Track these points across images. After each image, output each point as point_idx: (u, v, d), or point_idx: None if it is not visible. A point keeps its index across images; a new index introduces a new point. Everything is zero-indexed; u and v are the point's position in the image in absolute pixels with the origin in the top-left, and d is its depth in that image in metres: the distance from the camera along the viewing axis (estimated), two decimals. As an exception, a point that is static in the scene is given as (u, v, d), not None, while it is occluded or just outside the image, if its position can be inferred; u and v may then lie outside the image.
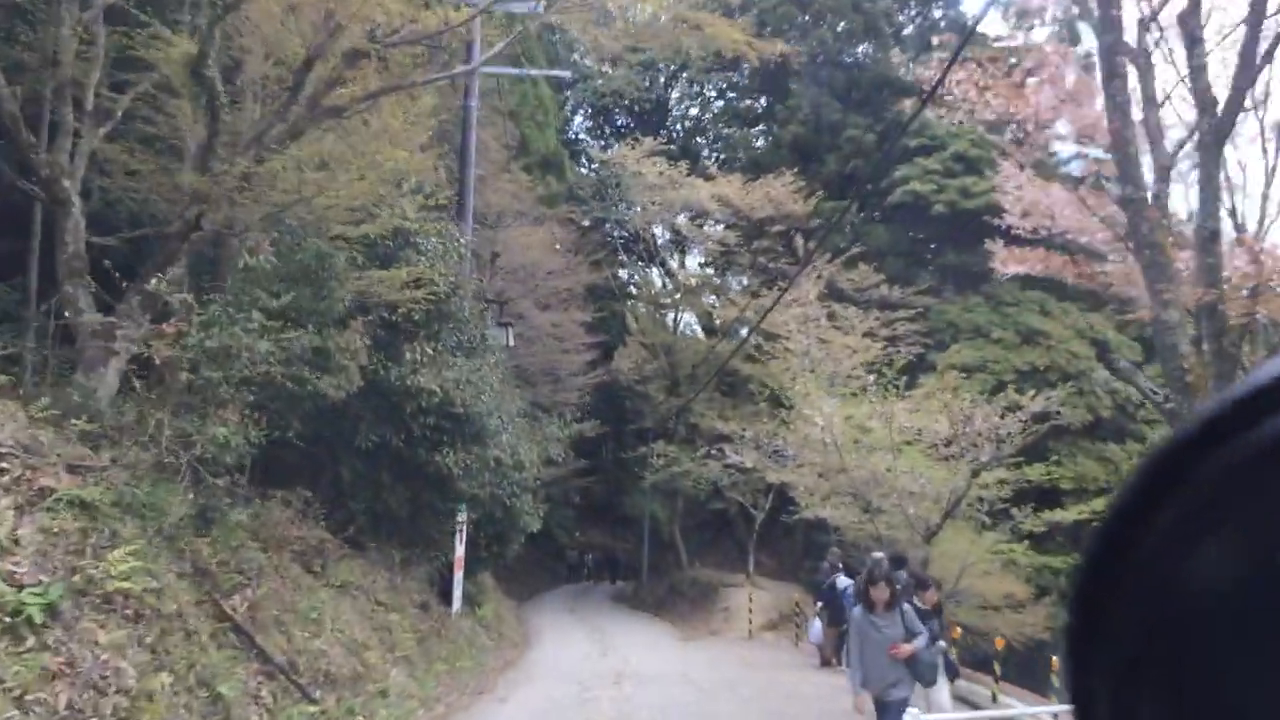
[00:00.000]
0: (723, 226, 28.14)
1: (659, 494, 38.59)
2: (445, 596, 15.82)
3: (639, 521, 40.67)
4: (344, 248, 10.41)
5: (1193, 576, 0.53)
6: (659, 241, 33.26)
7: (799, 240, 27.09)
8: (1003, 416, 17.01)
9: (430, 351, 11.99)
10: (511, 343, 16.71)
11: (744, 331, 26.46)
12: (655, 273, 37.03)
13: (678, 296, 35.10)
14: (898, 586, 8.09)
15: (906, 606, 7.86)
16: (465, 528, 16.32)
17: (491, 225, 19.17)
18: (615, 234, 35.29)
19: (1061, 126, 16.42)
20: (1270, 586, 0.50)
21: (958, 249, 28.90)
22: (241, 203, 8.67)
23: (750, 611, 19.94)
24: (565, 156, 29.00)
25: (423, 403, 11.94)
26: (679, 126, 36.46)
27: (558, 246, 22.22)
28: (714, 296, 30.63)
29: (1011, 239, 19.36)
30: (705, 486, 24.75)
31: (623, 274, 40.43)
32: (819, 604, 15.89)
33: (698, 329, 37.40)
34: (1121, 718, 0.57)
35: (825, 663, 15.43)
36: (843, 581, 15.11)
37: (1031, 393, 18.26)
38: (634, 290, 39.72)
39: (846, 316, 23.53)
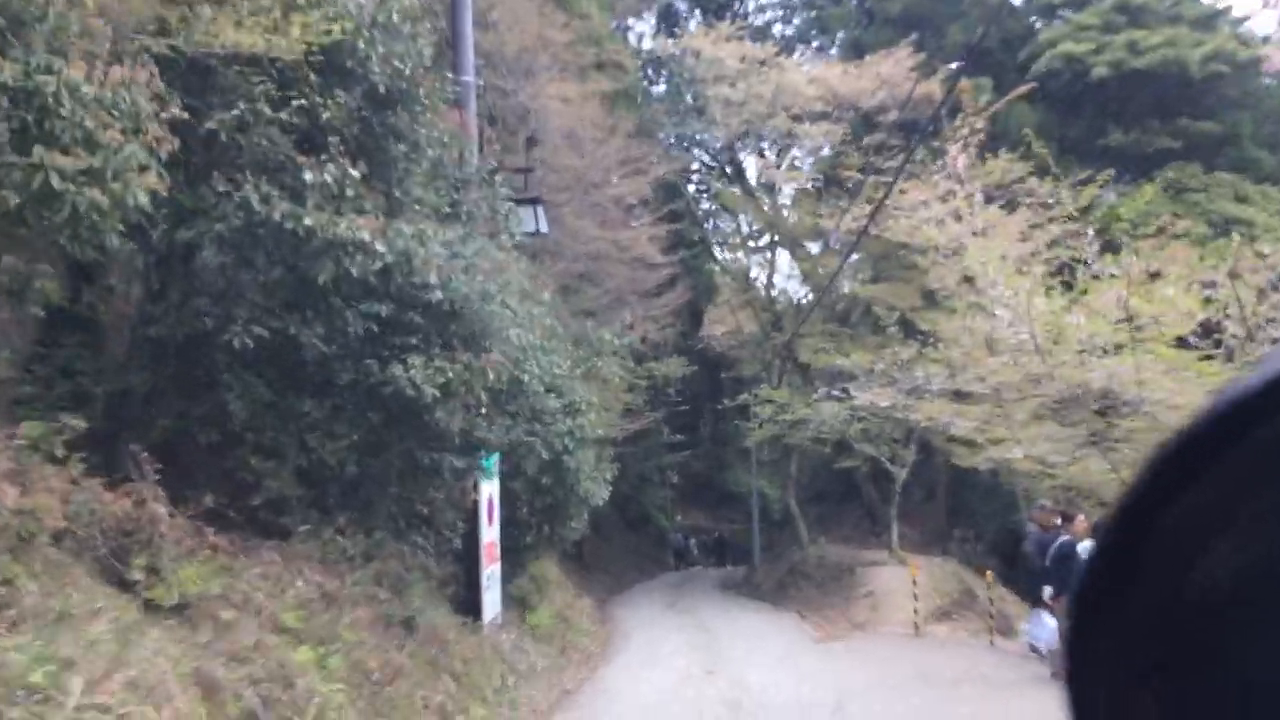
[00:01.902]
0: (822, 128, 21.89)
1: (765, 466, 32.87)
2: (468, 604, 10.37)
3: (744, 499, 35.18)
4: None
5: (1199, 578, 0.51)
6: (743, 159, 27.15)
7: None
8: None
9: (354, 174, 6.45)
10: (544, 228, 11.11)
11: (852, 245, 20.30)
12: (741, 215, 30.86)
13: (770, 239, 29.02)
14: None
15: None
16: (492, 498, 10.84)
17: (511, 72, 13.52)
18: (692, 160, 29.36)
19: None
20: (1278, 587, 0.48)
21: (1125, 125, 22.16)
22: None
23: (916, 598, 13.88)
24: (625, 51, 23.12)
25: (352, 267, 6.41)
26: (753, 6, 29.75)
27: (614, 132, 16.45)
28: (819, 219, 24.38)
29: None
30: (830, 436, 18.66)
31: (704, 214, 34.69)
32: (1044, 587, 9.67)
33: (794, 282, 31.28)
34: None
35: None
36: (1080, 546, 9.10)
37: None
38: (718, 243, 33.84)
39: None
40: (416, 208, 7.73)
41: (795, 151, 23.19)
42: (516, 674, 9.83)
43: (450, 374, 7.16)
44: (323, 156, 6.30)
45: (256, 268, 6.33)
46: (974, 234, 14.82)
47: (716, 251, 36.75)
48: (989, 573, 11.96)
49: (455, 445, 8.05)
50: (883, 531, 24.13)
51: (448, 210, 8.43)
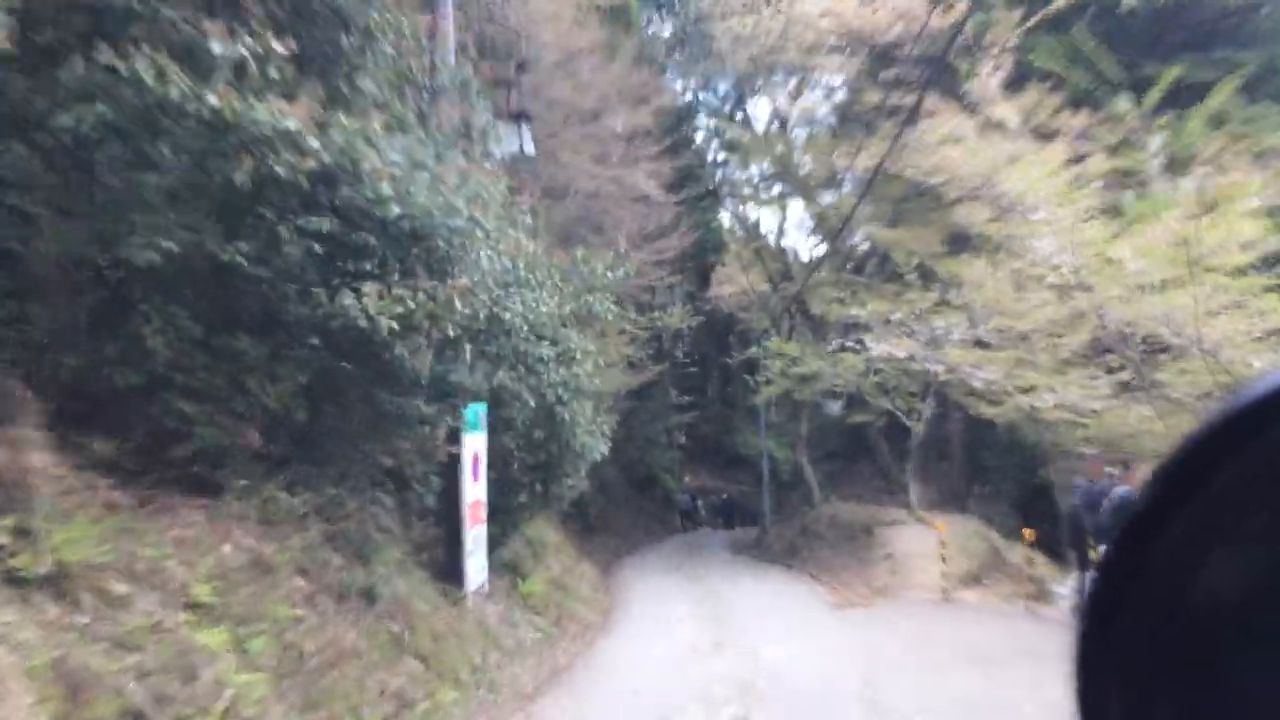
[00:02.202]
0: (836, 61, 20.41)
1: (773, 427, 31.82)
2: (449, 571, 9.29)
3: (753, 461, 34.33)
4: None
5: (1206, 583, 0.52)
6: (753, 104, 25.69)
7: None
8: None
9: (280, 49, 5.21)
10: (531, 149, 9.85)
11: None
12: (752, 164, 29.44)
13: (781, 189, 27.61)
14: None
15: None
16: (478, 453, 9.74)
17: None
18: (700, 105, 27.90)
19: None
20: None
21: (1161, 55, 20.63)
22: None
23: (944, 560, 12.74)
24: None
25: (278, 166, 5.19)
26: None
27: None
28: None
29: None
30: (845, 389, 17.47)
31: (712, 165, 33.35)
32: (1097, 544, 8.50)
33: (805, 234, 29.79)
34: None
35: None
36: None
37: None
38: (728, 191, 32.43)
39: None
40: (372, 110, 6.49)
41: (809, 95, 21.71)
42: (501, 650, 8.76)
43: (411, 304, 5.98)
44: (237, 24, 5.07)
45: (158, 166, 5.12)
46: (1008, 162, 13.52)
47: (726, 204, 35.48)
48: (1029, 531, 10.80)
49: (424, 389, 6.90)
50: (897, 490, 23.05)
51: (412, 120, 7.19)
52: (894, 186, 19.15)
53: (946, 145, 15.73)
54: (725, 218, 39.40)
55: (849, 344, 16.43)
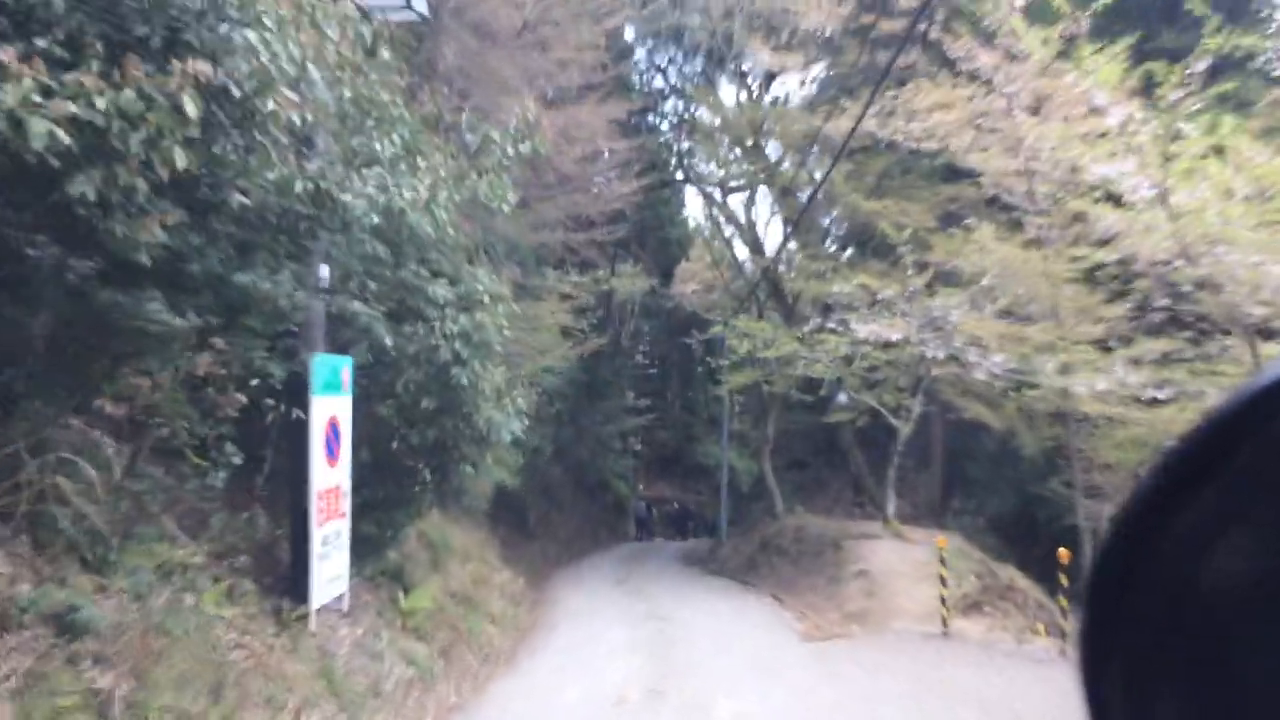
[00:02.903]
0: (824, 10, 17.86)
1: (734, 438, 29.40)
2: (289, 582, 6.57)
3: (713, 472, 32.05)
4: None
5: (1209, 574, 0.51)
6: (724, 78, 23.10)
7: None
8: None
9: None
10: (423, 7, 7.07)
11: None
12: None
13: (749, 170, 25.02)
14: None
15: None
16: (336, 421, 7.04)
17: None
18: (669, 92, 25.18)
19: None
20: None
21: (1180, 28, 18.40)
22: None
23: (944, 582, 10.08)
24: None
25: None
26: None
27: None
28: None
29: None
30: (825, 375, 14.81)
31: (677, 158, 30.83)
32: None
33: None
34: (1137, 717, 0.54)
35: None
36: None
37: None
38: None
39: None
40: None
41: (788, 59, 19.09)
42: (342, 697, 5.99)
43: (99, 102, 3.24)
44: None
45: None
46: (1030, 110, 11.06)
47: (689, 194, 33.06)
48: (1065, 551, 8.23)
49: (169, 285, 4.13)
50: (869, 504, 20.54)
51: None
52: (878, 161, 16.73)
53: (940, 110, 13.35)
54: (689, 213, 36.98)
55: (830, 325, 13.84)
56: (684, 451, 40.00)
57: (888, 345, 13.33)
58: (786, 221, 22.12)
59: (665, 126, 30.40)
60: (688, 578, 18.63)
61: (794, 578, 15.98)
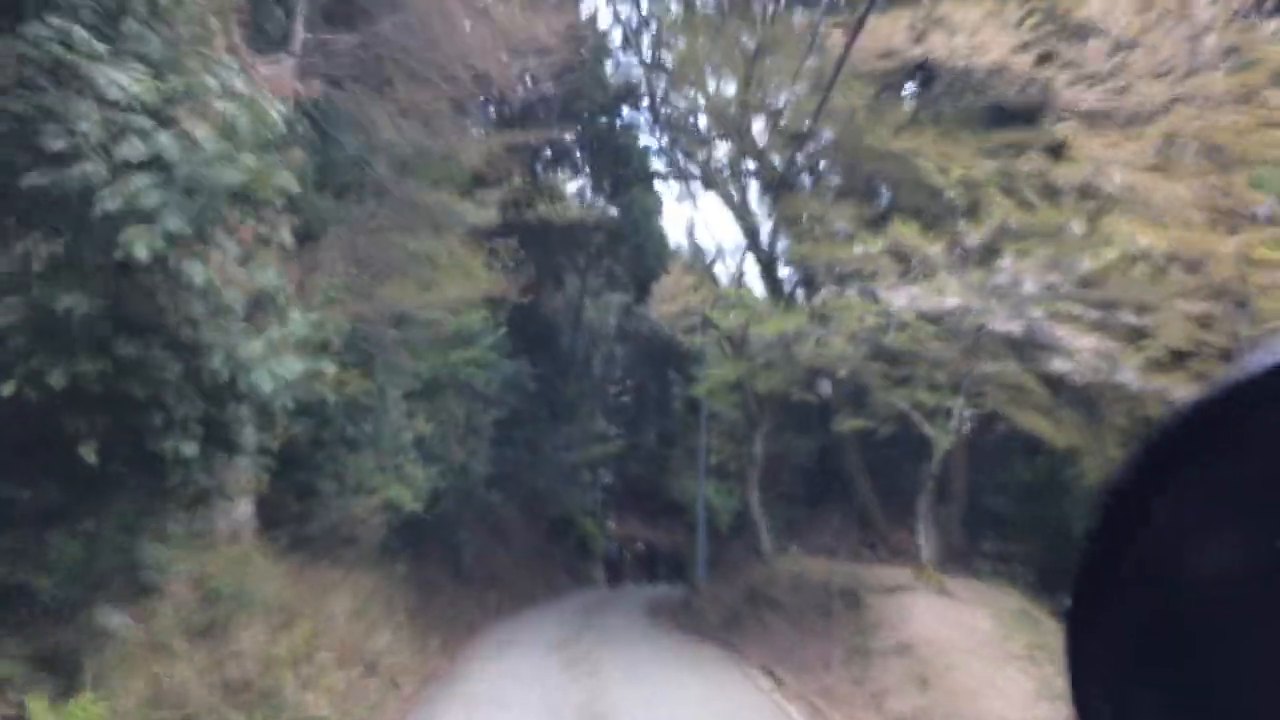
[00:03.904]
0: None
1: (712, 472, 25.50)
2: None
3: (690, 509, 28.07)
4: None
5: (1192, 567, 0.50)
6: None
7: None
8: None
9: None
10: None
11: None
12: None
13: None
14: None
15: None
16: None
17: None
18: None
19: None
20: (1270, 575, 0.47)
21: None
22: None
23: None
24: None
25: None
26: None
27: None
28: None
29: None
30: (844, 362, 10.62)
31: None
32: None
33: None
34: (1122, 712, 0.53)
35: None
36: None
37: None
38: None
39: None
40: None
41: None
42: None
43: None
44: None
45: None
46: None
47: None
48: None
49: None
50: (877, 542, 16.34)
51: None
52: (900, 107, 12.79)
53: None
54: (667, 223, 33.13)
55: (848, 294, 9.76)
56: (659, 487, 36.04)
57: (932, 320, 9.29)
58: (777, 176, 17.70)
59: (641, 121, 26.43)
60: (654, 638, 14.31)
61: (794, 643, 11.76)
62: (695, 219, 69.99)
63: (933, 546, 11.36)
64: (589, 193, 28.04)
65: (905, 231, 9.60)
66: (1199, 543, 0.49)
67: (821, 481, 19.32)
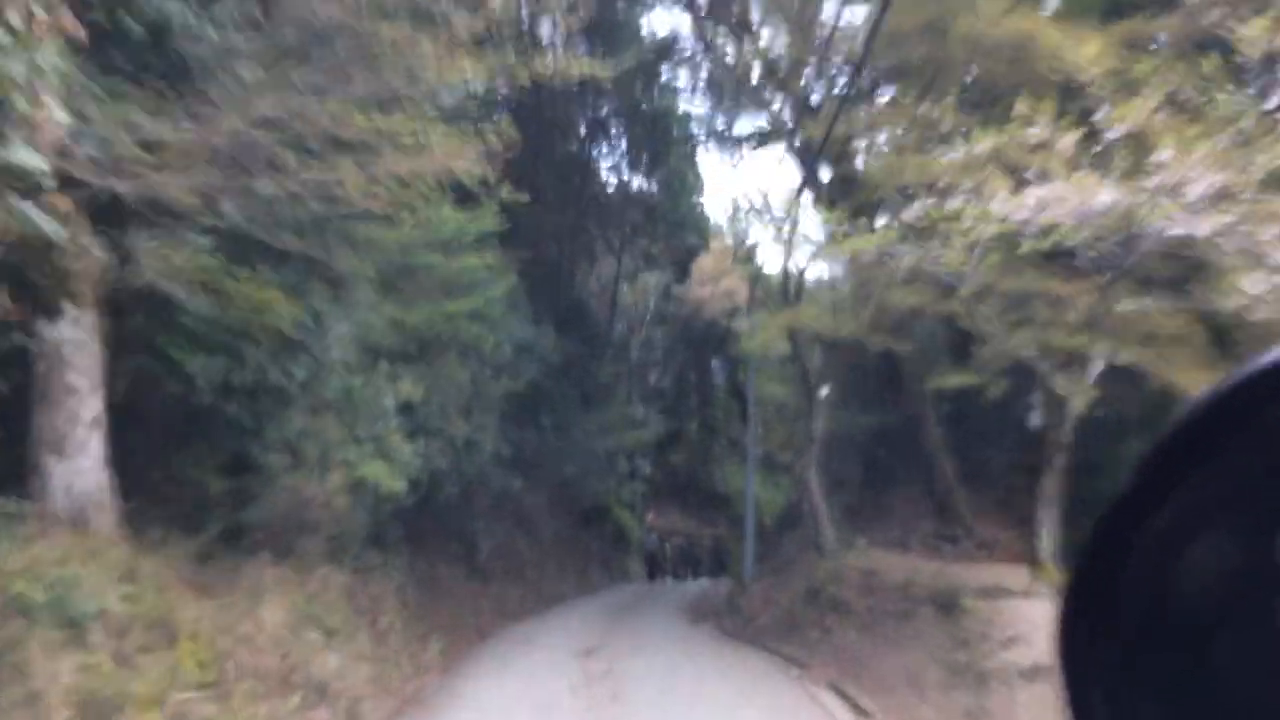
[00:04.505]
0: None
1: (760, 462, 22.97)
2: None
3: (734, 502, 26.12)
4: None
5: (1190, 571, 0.49)
6: None
7: None
8: None
9: None
10: None
11: None
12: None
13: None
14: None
15: None
16: None
17: None
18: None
19: None
20: (1267, 580, 0.46)
21: None
22: None
23: None
24: None
25: None
26: None
27: None
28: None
29: None
30: (937, 301, 8.07)
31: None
32: None
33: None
34: (1120, 716, 0.52)
35: None
36: None
37: None
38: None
39: None
40: None
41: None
42: None
43: None
44: None
45: None
46: None
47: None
48: None
49: None
50: (961, 535, 13.73)
51: None
52: None
53: None
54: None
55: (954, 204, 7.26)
56: (700, 477, 33.86)
57: (1074, 228, 6.75)
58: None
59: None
60: (694, 646, 11.90)
61: (867, 655, 9.33)
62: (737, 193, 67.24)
63: (1054, 540, 8.80)
64: (625, 168, 25.87)
65: (1039, 111, 7.02)
66: (1194, 552, 0.45)
67: (886, 464, 16.69)
